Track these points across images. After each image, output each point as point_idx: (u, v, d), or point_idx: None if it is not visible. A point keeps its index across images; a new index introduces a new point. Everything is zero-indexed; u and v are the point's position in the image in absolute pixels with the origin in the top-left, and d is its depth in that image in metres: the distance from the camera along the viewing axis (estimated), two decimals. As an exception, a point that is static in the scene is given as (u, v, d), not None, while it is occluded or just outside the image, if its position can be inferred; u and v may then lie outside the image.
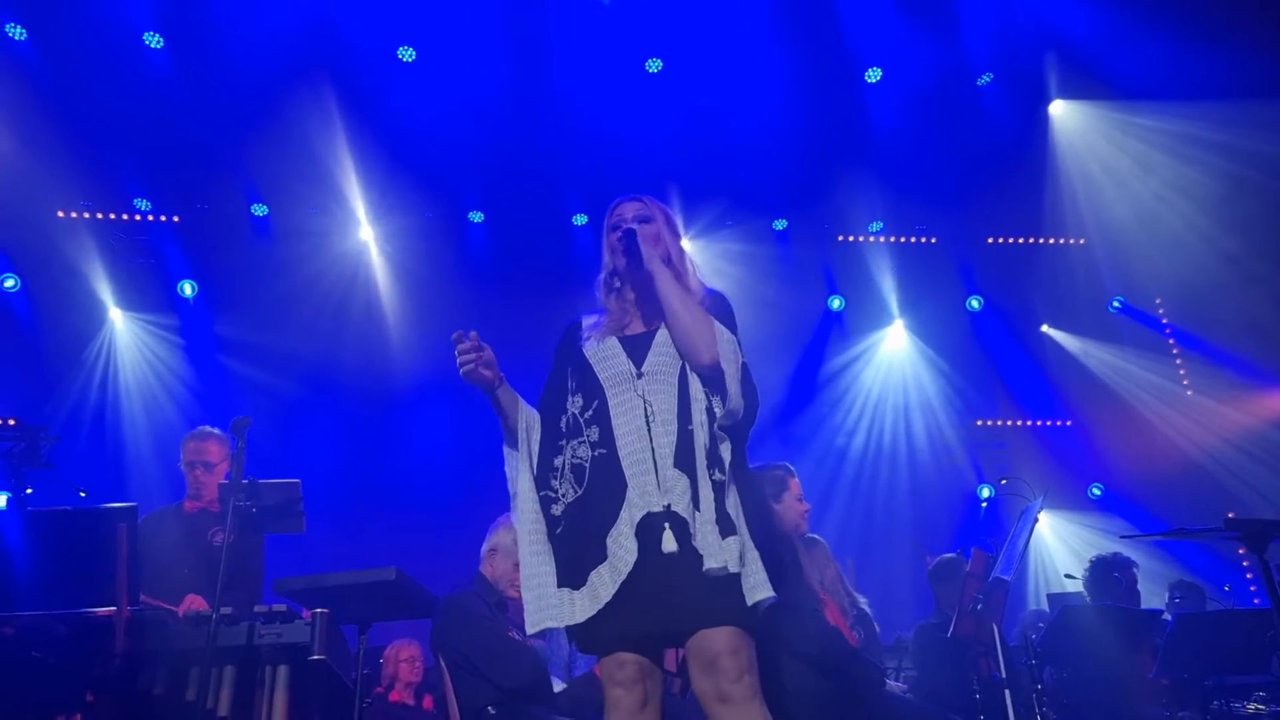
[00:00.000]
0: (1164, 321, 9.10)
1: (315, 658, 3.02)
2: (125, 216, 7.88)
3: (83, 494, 4.63)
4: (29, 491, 3.57)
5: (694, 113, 7.77)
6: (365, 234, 8.18)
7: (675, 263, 2.58)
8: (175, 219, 7.96)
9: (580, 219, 8.45)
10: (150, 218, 7.91)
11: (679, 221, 6.98)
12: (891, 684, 4.54)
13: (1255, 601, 7.21)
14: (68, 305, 7.87)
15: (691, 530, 2.27)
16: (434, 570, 4.09)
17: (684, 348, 2.44)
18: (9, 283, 7.75)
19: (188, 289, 8.11)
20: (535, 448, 2.53)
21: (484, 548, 3.83)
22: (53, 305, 7.84)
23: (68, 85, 7.05)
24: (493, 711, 3.39)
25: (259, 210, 8.04)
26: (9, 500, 6.03)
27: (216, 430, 4.28)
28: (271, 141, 7.43)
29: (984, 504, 8.86)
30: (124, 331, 8.12)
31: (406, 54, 7.47)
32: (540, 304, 7.18)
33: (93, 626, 2.95)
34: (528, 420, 2.56)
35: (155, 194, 7.86)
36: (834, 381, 9.20)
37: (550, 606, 2.33)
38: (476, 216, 8.40)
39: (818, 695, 3.37)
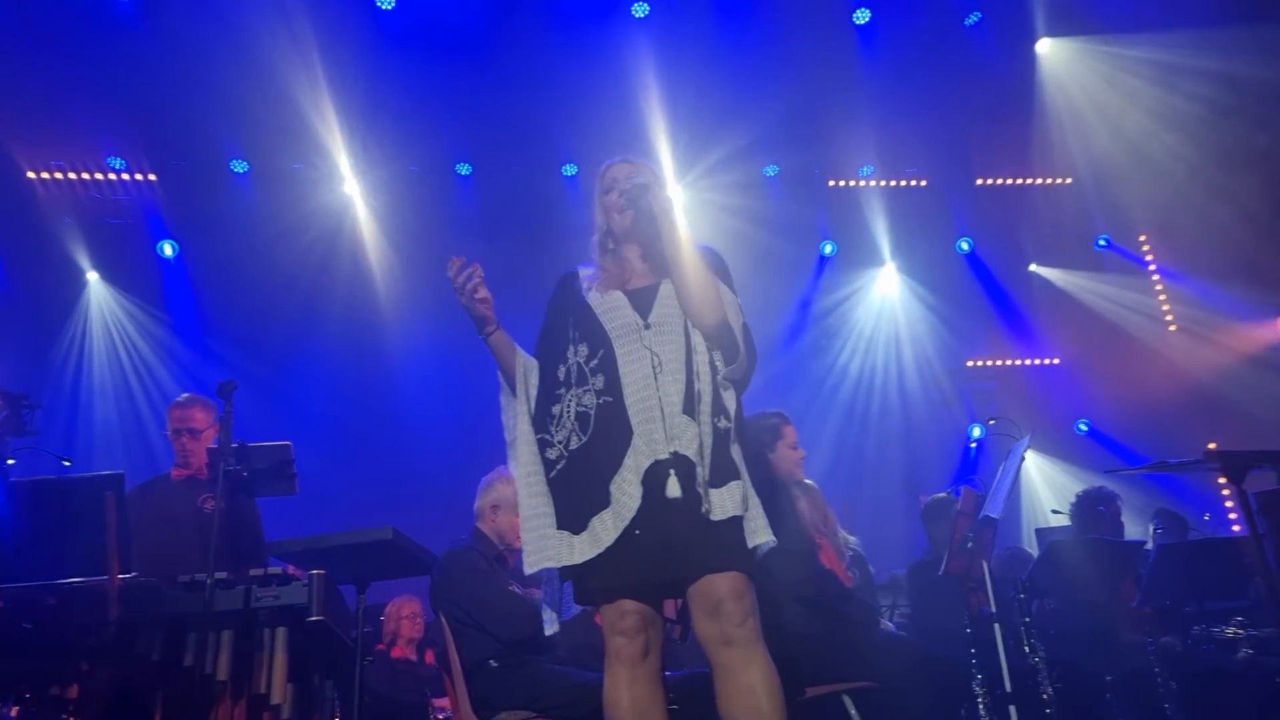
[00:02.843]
0: (1147, 257, 9.10)
1: (314, 618, 3.01)
2: (99, 176, 7.70)
3: (67, 463, 4.57)
4: (11, 462, 3.51)
5: (682, 58, 7.60)
6: (350, 188, 8.02)
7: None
8: (151, 177, 7.78)
9: (570, 169, 8.34)
10: (125, 176, 7.73)
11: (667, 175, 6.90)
12: (885, 623, 4.62)
13: (1235, 530, 7.32)
14: (44, 269, 7.73)
15: (697, 475, 2.30)
16: (432, 526, 4.07)
17: (690, 308, 2.45)
18: (-17, 247, 7.61)
19: (168, 249, 7.97)
20: (533, 394, 2.55)
21: (481, 503, 3.78)
22: (29, 270, 7.70)
23: (34, 41, 6.80)
24: (494, 664, 3.41)
25: (239, 166, 7.88)
26: (-7, 470, 5.98)
27: (201, 396, 4.21)
28: (248, 95, 7.21)
29: (973, 444, 8.92)
30: (104, 295, 7.98)
31: (385, 1, 7.26)
32: (531, 256, 7.10)
33: (84, 596, 2.92)
34: (525, 365, 2.57)
35: (129, 152, 7.68)
36: (824, 320, 9.20)
37: (549, 547, 2.35)
38: (464, 169, 8.29)
39: (816, 636, 3.45)
